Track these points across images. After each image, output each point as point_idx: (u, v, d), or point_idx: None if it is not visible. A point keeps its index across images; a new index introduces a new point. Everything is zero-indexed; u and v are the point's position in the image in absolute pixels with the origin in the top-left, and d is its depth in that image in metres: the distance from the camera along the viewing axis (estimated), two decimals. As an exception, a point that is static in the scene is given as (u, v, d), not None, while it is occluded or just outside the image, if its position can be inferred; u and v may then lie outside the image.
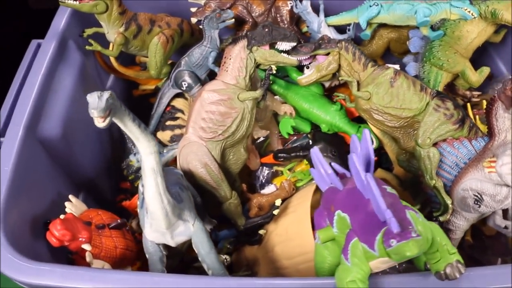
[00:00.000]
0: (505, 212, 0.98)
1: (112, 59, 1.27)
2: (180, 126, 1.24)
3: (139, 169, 1.20)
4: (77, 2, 1.06)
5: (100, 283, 0.75)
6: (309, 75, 1.08)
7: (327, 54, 1.06)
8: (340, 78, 1.07)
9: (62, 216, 0.93)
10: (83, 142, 1.15)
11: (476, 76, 1.17)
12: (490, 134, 0.92)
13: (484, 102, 1.14)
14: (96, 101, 0.68)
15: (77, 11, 1.10)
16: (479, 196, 0.93)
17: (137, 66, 1.36)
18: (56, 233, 0.86)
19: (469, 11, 1.10)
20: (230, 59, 1.07)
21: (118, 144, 1.27)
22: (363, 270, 0.69)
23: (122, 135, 1.24)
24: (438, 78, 1.18)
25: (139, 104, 1.39)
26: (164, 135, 1.24)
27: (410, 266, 0.94)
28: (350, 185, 0.78)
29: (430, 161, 0.97)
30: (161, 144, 1.24)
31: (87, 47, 1.17)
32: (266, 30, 1.05)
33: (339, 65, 1.06)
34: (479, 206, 0.93)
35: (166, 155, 1.16)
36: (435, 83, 1.18)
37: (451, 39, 1.16)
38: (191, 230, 0.91)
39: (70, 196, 1.02)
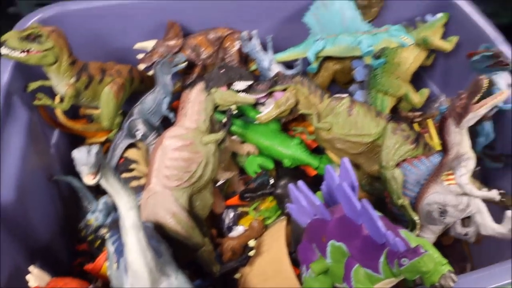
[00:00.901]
0: (463, 220, 1.03)
1: (59, 113, 1.20)
2: (136, 178, 1.18)
3: (98, 228, 1.13)
4: (24, 54, 1.00)
5: None
6: (268, 112, 1.09)
7: (284, 90, 1.08)
8: (300, 112, 1.09)
9: (27, 291, 0.85)
10: (37, 205, 1.06)
11: (418, 97, 1.25)
12: (445, 149, 0.98)
13: (430, 121, 1.21)
14: (85, 157, 0.64)
15: (21, 63, 1.04)
16: (443, 208, 0.98)
17: (82, 119, 1.30)
18: (26, 312, 0.78)
19: (406, 39, 1.18)
20: (188, 103, 1.06)
21: (71, 205, 1.19)
22: None
23: (75, 195, 1.17)
24: (384, 103, 1.25)
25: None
26: (121, 188, 1.18)
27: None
28: (338, 214, 0.79)
29: (395, 182, 1.01)
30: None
31: (35, 102, 1.10)
32: (223, 71, 1.06)
33: (297, 100, 1.09)
34: (444, 218, 0.99)
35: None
36: (381, 107, 1.25)
37: (391, 66, 1.24)
38: (174, 285, 0.86)
39: (31, 268, 0.93)
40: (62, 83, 1.08)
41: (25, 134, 1.06)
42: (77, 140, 1.31)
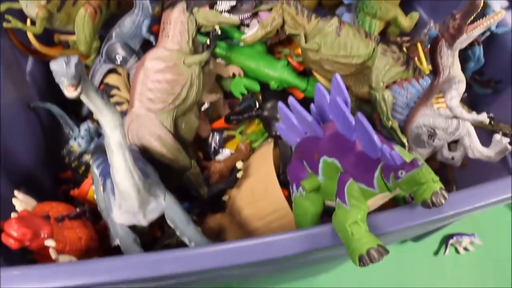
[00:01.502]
0: (449, 145, 1.04)
1: (32, 39, 1.13)
2: (118, 103, 1.15)
3: (81, 154, 1.11)
4: None
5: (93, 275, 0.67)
6: (254, 33, 1.05)
7: (270, 10, 1.04)
8: (287, 33, 1.06)
9: (14, 215, 0.82)
10: (14, 135, 1.02)
11: (408, 21, 1.22)
12: (435, 71, 0.96)
13: (419, 45, 1.19)
14: (64, 68, 0.59)
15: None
16: (432, 130, 0.97)
17: (58, 46, 1.23)
18: (14, 233, 0.75)
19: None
20: (169, 24, 1.01)
21: (52, 133, 1.15)
22: (362, 210, 0.69)
23: (55, 122, 1.13)
24: (372, 27, 1.21)
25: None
26: (102, 115, 1.14)
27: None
28: (329, 131, 0.77)
29: (385, 103, 1.00)
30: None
31: (4, 24, 1.03)
32: (205, -11, 1.01)
33: (283, 20, 1.05)
34: (433, 141, 0.99)
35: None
36: (369, 31, 1.21)
37: (381, -13, 1.20)
38: (163, 205, 0.85)
39: (16, 192, 0.90)
40: (31, 5, 1.01)
41: (-3, 62, 0.99)
42: (53, 67, 1.25)
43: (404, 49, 1.20)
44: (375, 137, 0.65)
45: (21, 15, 1.07)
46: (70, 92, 0.61)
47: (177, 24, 1.01)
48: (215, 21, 1.02)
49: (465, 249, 1.30)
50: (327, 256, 0.86)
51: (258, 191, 1.02)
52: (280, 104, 0.84)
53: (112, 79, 1.19)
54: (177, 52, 1.00)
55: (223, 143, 1.17)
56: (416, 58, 1.15)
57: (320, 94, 0.82)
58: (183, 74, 0.99)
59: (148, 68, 0.98)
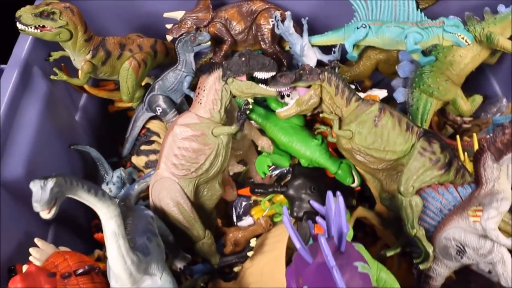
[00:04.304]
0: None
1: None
2: (155, 151, 1.18)
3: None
4: (38, 31, 0.98)
5: None
6: (288, 109, 1.01)
7: (308, 87, 0.99)
8: (321, 115, 1.00)
9: (25, 267, 0.88)
10: (53, 171, 1.09)
11: (468, 105, 1.09)
12: (477, 182, 0.86)
13: (475, 137, 1.06)
14: (39, 193, 0.62)
15: (39, 36, 1.02)
16: (461, 247, 0.88)
17: (111, 82, 1.29)
18: (16, 291, 0.82)
19: (462, 38, 1.00)
20: (204, 90, 1.00)
21: (92, 170, 1.21)
22: None
23: (95, 162, 1.19)
24: (427, 106, 1.10)
25: (116, 117, 1.32)
26: (139, 160, 1.18)
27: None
28: (319, 258, 0.73)
29: (412, 210, 0.91)
30: (136, 169, 1.19)
31: (51, 76, 1.09)
32: (243, 59, 0.98)
33: (321, 99, 0.99)
34: (461, 258, 0.90)
35: (139, 186, 1.10)
36: (424, 110, 1.11)
37: (442, 64, 1.09)
38: (158, 284, 0.87)
39: (36, 240, 0.97)
40: (78, 59, 1.06)
41: (43, 106, 1.06)
42: (107, 100, 1.31)
43: (458, 138, 1.08)
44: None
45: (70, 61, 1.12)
46: (44, 214, 0.63)
47: (211, 92, 0.99)
48: (249, 93, 0.99)
49: None
50: None
51: (266, 272, 1.00)
52: (284, 208, 0.80)
53: (154, 125, 1.22)
54: (207, 121, 0.99)
55: (248, 210, 1.15)
56: (466, 154, 1.04)
57: (329, 205, 0.78)
58: (210, 144, 0.98)
59: (176, 133, 0.99)
